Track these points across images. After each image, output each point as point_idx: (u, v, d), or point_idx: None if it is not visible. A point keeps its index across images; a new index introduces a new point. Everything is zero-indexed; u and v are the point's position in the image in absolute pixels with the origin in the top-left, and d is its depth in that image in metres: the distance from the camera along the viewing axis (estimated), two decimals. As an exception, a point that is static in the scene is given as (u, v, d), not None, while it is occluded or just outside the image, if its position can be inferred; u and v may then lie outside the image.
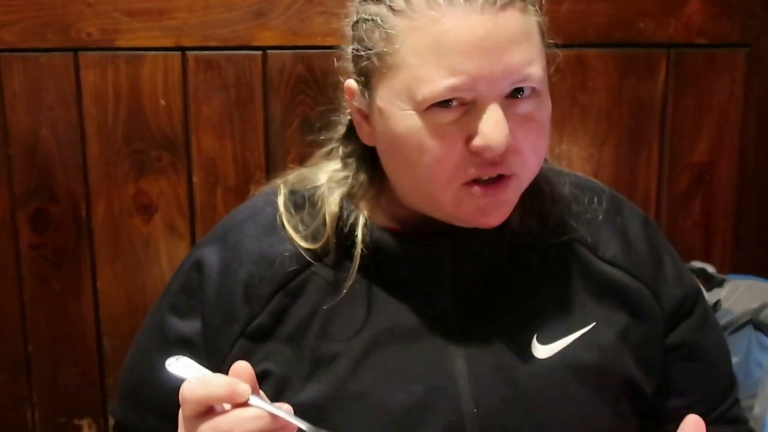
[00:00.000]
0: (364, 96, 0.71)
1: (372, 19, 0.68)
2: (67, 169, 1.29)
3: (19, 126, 1.26)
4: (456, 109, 0.66)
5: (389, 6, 0.66)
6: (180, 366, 0.63)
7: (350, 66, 0.72)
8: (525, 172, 0.70)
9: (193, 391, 0.58)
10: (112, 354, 1.33)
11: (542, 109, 0.69)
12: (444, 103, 0.65)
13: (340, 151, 0.80)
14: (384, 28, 0.66)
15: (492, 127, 0.64)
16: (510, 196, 0.70)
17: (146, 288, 1.31)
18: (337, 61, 0.75)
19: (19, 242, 1.30)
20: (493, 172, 0.67)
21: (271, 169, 1.28)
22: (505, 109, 0.66)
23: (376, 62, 0.68)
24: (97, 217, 1.30)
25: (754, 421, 1.06)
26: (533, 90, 0.67)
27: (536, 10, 0.69)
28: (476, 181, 0.67)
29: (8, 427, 1.36)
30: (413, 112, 0.66)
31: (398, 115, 0.67)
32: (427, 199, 0.70)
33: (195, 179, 1.29)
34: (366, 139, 0.74)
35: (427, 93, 0.65)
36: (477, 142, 0.65)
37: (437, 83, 0.64)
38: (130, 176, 1.29)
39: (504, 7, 0.64)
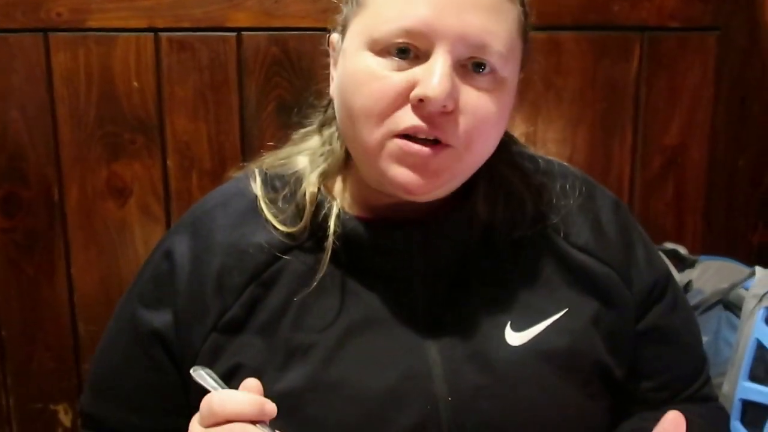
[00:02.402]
0: (338, 45, 0.71)
1: None
2: (38, 152, 1.26)
3: (-13, 108, 1.24)
4: (410, 61, 0.66)
5: None
6: (203, 374, 0.66)
7: (338, 19, 0.73)
8: (467, 152, 0.68)
9: (222, 406, 0.60)
10: (88, 339, 1.32)
11: (500, 94, 0.68)
12: (400, 53, 0.65)
13: (318, 121, 0.80)
14: None
15: (433, 76, 0.63)
16: (441, 167, 0.67)
17: (121, 272, 1.30)
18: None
19: (-10, 226, 1.28)
20: (428, 132, 0.65)
21: (247, 152, 1.27)
22: (461, 78, 0.66)
23: (352, 5, 0.69)
24: (70, 201, 1.28)
25: (723, 398, 1.08)
26: (494, 73, 0.67)
27: (521, 4, 0.70)
28: (408, 137, 0.66)
29: (-18, 413, 1.35)
30: (369, 52, 0.66)
31: (355, 54, 0.67)
32: (359, 147, 0.69)
33: (169, 162, 1.27)
34: (332, 93, 0.73)
35: (383, 31, 0.65)
36: (416, 91, 0.64)
37: (393, 22, 0.64)
38: (103, 159, 1.27)
39: None
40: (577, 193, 0.81)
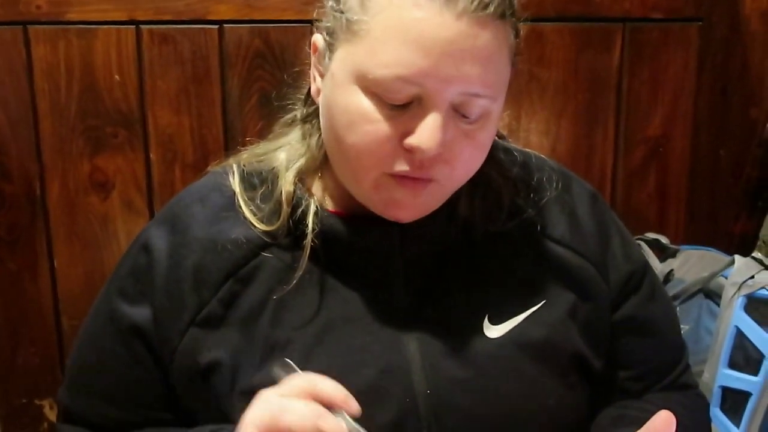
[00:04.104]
0: (324, 55, 0.70)
1: None
2: (20, 146, 1.26)
3: (-33, 103, 1.24)
4: (403, 105, 0.65)
5: None
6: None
7: (323, 22, 0.71)
8: (449, 182, 0.70)
9: (324, 384, 0.62)
10: (71, 333, 1.32)
11: (486, 130, 0.69)
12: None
13: (299, 114, 0.79)
14: None
15: (428, 130, 0.64)
16: (427, 199, 0.70)
17: (105, 266, 1.30)
18: (315, 14, 0.73)
19: (-28, 222, 1.28)
20: (419, 174, 0.67)
21: (230, 144, 1.27)
22: (449, 120, 0.66)
23: (344, 25, 0.67)
24: (52, 195, 1.28)
25: (704, 386, 1.09)
26: (482, 112, 0.67)
27: (515, 35, 0.69)
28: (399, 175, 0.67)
29: (-33, 408, 1.34)
30: (361, 91, 0.66)
31: (344, 86, 0.67)
32: (349, 175, 0.71)
33: (152, 156, 1.28)
34: (314, 93, 0.73)
35: (378, 75, 0.64)
36: (410, 140, 0.65)
37: (389, 68, 0.64)
38: (85, 153, 1.27)
39: (481, 21, 0.63)
40: (554, 185, 0.81)
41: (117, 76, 1.24)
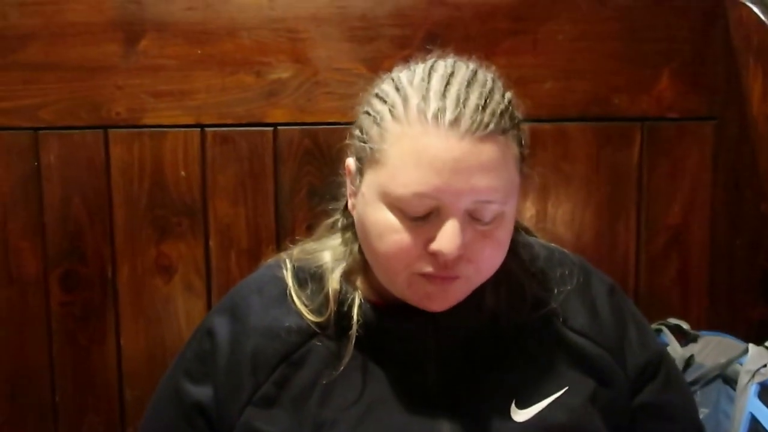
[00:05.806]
0: (356, 177, 0.80)
1: (375, 116, 0.76)
2: (96, 233, 1.37)
3: (53, 195, 1.36)
4: (423, 216, 0.74)
5: (390, 110, 0.75)
6: None
7: (352, 147, 0.82)
8: (477, 276, 0.78)
9: None
10: (133, 404, 1.40)
11: (502, 228, 0.76)
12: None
13: (340, 222, 0.90)
14: (381, 127, 0.75)
15: (447, 236, 0.72)
16: (456, 291, 0.77)
17: (165, 343, 1.39)
18: (347, 138, 0.83)
19: (50, 300, 1.38)
20: (445, 274, 0.75)
21: (281, 233, 1.36)
22: (467, 224, 0.74)
23: (369, 154, 0.76)
24: (122, 278, 1.38)
25: (723, 467, 1.12)
26: (495, 215, 0.75)
27: (518, 144, 0.77)
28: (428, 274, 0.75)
29: (35, 472, 1.42)
30: (386, 207, 0.75)
31: (373, 204, 0.76)
32: (384, 275, 0.79)
33: (211, 243, 1.37)
34: (350, 208, 0.83)
35: (398, 194, 0.73)
36: (433, 246, 0.73)
37: (408, 187, 0.72)
38: (153, 240, 1.37)
39: (483, 139, 0.71)
40: (575, 279, 0.88)
41: (183, 172, 1.36)
